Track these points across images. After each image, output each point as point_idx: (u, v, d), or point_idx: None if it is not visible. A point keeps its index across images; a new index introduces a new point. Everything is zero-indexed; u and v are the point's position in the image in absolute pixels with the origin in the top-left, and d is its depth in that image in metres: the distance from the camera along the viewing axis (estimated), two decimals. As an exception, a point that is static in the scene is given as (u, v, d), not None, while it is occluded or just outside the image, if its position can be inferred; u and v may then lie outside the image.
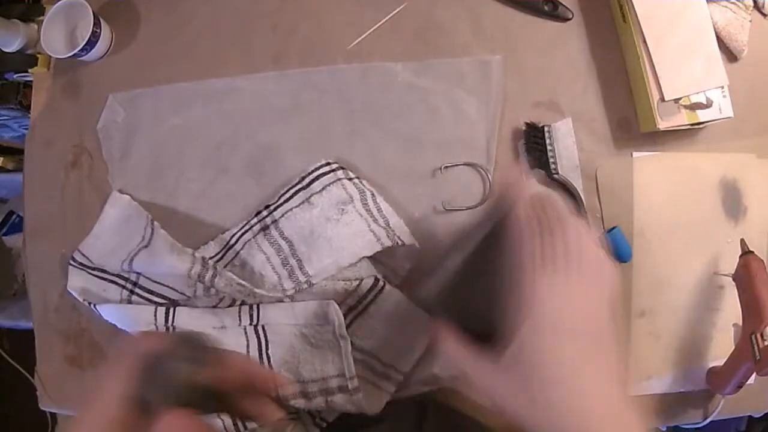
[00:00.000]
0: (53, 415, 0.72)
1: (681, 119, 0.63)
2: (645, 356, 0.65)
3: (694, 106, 0.63)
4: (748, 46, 0.67)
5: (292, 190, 0.65)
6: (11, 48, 0.72)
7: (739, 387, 0.61)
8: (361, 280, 0.60)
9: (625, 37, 0.66)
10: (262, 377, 0.42)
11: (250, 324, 0.60)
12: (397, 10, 0.69)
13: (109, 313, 0.63)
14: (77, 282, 0.66)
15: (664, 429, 0.69)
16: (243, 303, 0.62)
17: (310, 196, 0.63)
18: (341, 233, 0.60)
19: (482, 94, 0.67)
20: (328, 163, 0.65)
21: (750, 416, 0.78)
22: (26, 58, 0.74)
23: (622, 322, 0.65)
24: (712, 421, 0.65)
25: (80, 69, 0.73)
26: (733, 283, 0.62)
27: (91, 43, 0.68)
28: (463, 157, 0.67)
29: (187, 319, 0.61)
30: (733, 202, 0.67)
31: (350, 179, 0.64)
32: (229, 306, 0.63)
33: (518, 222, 0.40)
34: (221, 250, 0.66)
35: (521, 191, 0.43)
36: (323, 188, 0.63)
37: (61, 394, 0.69)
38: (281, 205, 0.65)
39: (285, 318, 0.60)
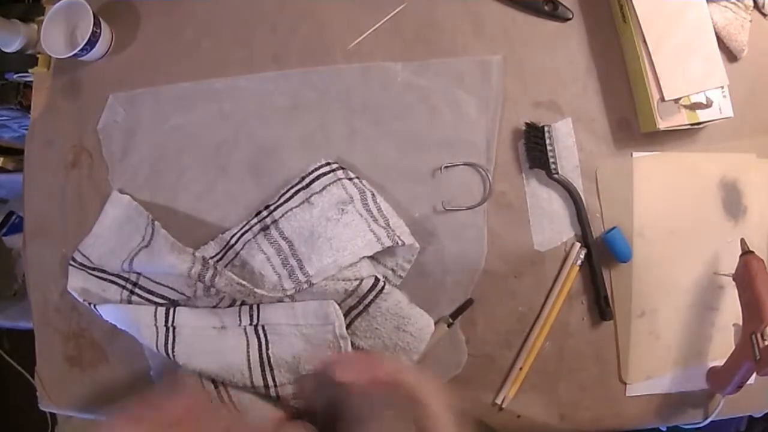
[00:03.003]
0: (53, 415, 0.72)
1: (681, 119, 0.63)
2: (645, 356, 0.65)
3: (694, 106, 0.63)
4: (748, 46, 0.67)
5: (292, 190, 0.65)
6: (11, 48, 0.72)
7: (739, 387, 0.61)
8: (361, 280, 0.60)
9: (625, 37, 0.66)
10: None
11: (250, 324, 0.60)
12: (397, 10, 0.69)
13: (109, 313, 0.63)
14: (77, 282, 0.66)
15: (664, 429, 0.69)
16: (243, 303, 0.62)
17: (310, 196, 0.63)
18: (341, 233, 0.60)
19: (482, 94, 0.67)
20: (328, 163, 0.65)
21: (750, 416, 0.78)
22: (26, 58, 0.74)
23: (622, 322, 0.65)
24: (712, 421, 0.65)
25: (80, 69, 0.73)
26: (733, 283, 0.62)
27: (91, 43, 0.68)
28: (463, 157, 0.67)
29: (187, 320, 0.61)
30: (733, 202, 0.67)
31: (350, 179, 0.64)
32: (229, 306, 0.63)
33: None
34: (221, 250, 0.66)
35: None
36: (323, 188, 0.63)
37: (61, 394, 0.69)
38: (281, 205, 0.65)
39: (285, 318, 0.60)
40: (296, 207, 0.63)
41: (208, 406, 0.38)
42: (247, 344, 0.60)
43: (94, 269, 0.66)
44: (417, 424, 0.35)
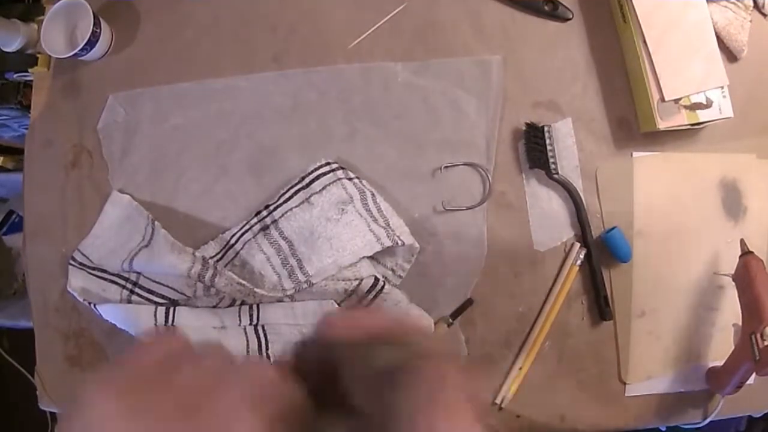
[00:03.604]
0: (53, 415, 0.72)
1: (681, 119, 0.63)
2: (645, 356, 0.65)
3: (694, 106, 0.63)
4: (748, 46, 0.67)
5: (292, 190, 0.65)
6: (11, 48, 0.72)
7: (739, 387, 0.61)
8: (361, 280, 0.60)
9: (625, 37, 0.66)
10: None
11: (250, 324, 0.61)
12: (397, 10, 0.69)
13: (109, 313, 0.63)
14: (77, 282, 0.66)
15: (664, 429, 0.69)
16: (243, 303, 0.62)
17: (310, 196, 0.63)
18: (341, 233, 0.60)
19: (482, 94, 0.67)
20: (328, 163, 0.65)
21: (750, 416, 0.78)
22: (26, 58, 0.74)
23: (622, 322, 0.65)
24: (712, 421, 0.65)
25: (80, 69, 0.73)
26: (733, 283, 0.62)
27: (91, 43, 0.68)
28: (463, 157, 0.67)
29: (187, 319, 0.61)
30: (733, 202, 0.67)
31: (350, 179, 0.64)
32: (229, 306, 0.63)
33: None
34: (221, 250, 0.66)
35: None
36: (323, 188, 0.63)
37: (61, 394, 0.68)
38: (281, 205, 0.65)
39: (285, 318, 0.60)
40: (296, 207, 0.63)
41: (189, 351, 0.24)
42: (247, 344, 0.60)
43: (94, 269, 0.66)
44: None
